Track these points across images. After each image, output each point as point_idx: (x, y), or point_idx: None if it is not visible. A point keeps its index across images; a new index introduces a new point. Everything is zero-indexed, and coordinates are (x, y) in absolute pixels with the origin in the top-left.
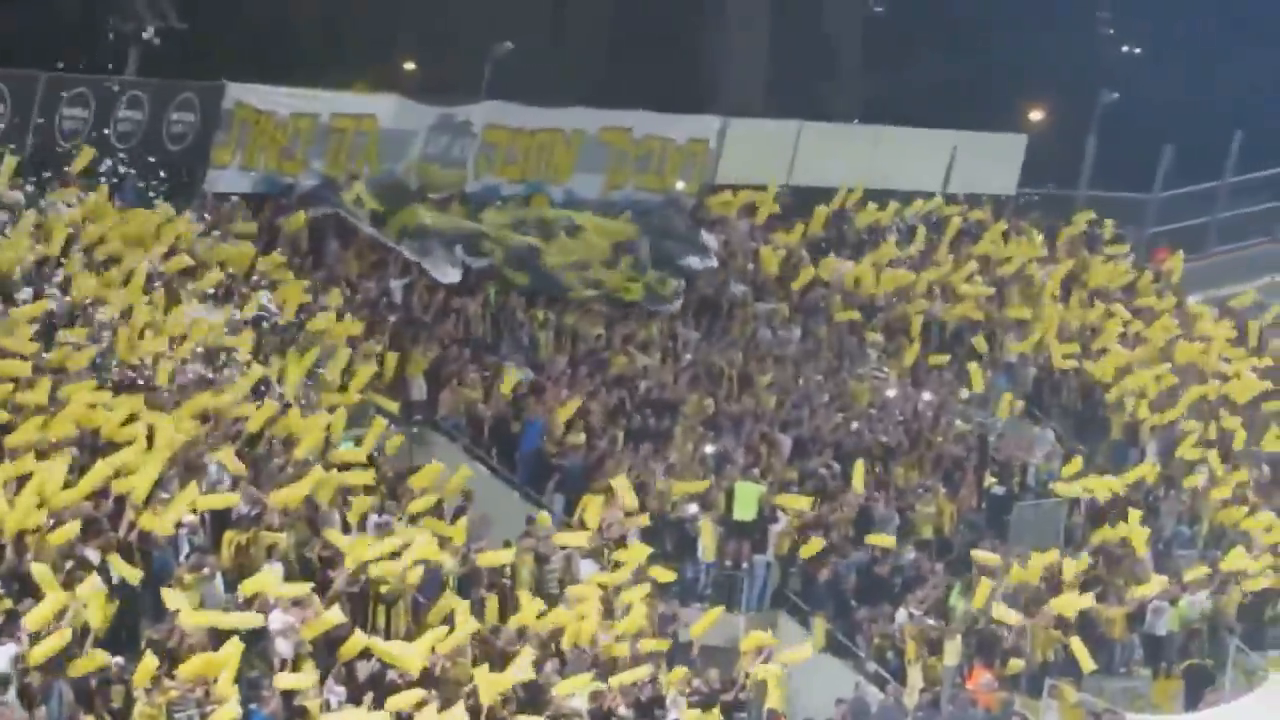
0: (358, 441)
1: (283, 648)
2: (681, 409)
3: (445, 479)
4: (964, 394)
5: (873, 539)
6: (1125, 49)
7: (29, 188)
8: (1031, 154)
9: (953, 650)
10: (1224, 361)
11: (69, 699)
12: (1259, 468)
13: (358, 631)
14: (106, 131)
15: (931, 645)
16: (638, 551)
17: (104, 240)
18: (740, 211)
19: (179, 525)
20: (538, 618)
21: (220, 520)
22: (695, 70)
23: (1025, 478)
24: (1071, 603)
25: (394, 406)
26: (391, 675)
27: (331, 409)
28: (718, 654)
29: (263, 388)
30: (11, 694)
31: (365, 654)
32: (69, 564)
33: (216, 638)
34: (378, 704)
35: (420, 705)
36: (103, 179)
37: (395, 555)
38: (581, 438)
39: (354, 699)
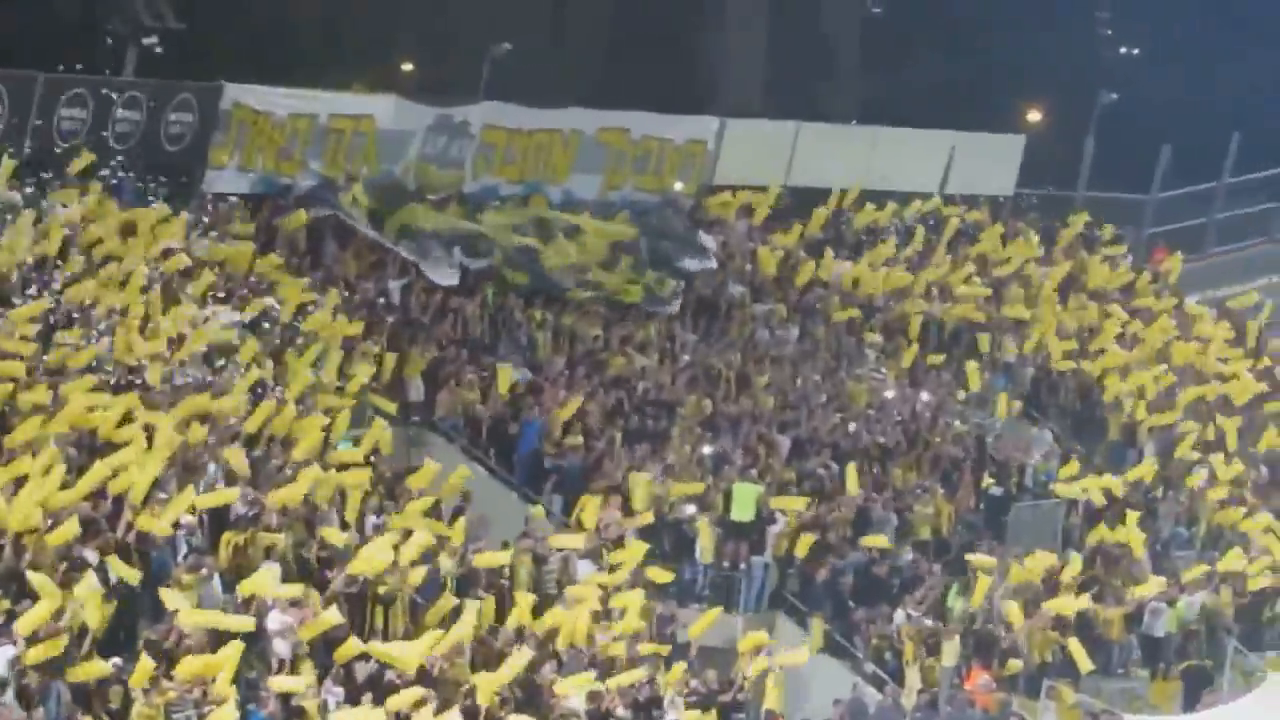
0: (356, 442)
1: (280, 648)
2: (679, 410)
3: (442, 479)
4: (961, 395)
5: (868, 540)
6: (1123, 50)
7: (27, 188)
8: (1029, 154)
9: (950, 651)
10: (1222, 362)
11: (67, 700)
12: (1257, 469)
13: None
14: (105, 132)
15: (929, 646)
16: (635, 550)
17: (102, 241)
18: (738, 212)
19: (177, 526)
20: (534, 619)
21: (218, 521)
22: (693, 71)
23: (1023, 478)
24: (1069, 604)
25: (392, 407)
26: (389, 676)
27: (329, 410)
28: (715, 655)
29: (260, 389)
30: (9, 695)
31: (363, 655)
32: (66, 565)
33: (214, 638)
34: (376, 705)
35: (418, 705)
36: (101, 180)
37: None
38: (579, 439)
39: (352, 700)
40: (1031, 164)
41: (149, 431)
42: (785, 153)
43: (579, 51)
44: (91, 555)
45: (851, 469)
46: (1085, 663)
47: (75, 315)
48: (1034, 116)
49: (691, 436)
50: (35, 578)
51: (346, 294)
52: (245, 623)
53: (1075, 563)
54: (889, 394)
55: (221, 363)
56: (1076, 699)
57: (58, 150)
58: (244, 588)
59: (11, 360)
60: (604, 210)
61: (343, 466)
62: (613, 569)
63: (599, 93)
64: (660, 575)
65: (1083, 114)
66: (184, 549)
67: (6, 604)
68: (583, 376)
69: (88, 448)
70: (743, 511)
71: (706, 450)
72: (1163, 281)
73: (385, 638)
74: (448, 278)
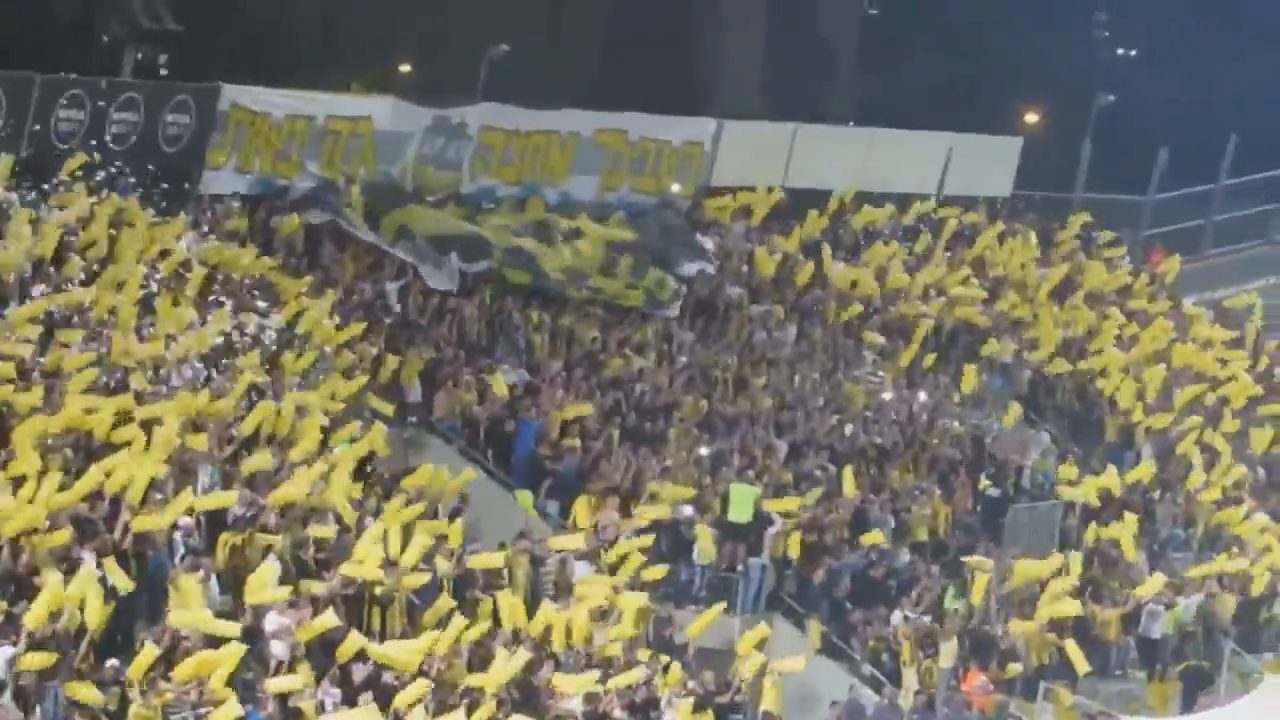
0: (353, 443)
1: (278, 649)
2: (677, 411)
3: (439, 480)
4: (958, 396)
5: (868, 538)
6: (1120, 51)
7: (25, 190)
8: (1027, 156)
9: (948, 652)
10: (1220, 364)
11: (64, 701)
12: (1254, 470)
13: (353, 634)
14: (102, 134)
15: (926, 647)
16: (635, 545)
17: (99, 242)
18: (735, 213)
19: (174, 527)
20: (530, 620)
21: (216, 522)
22: (690, 72)
23: (1020, 480)
24: (1066, 606)
25: (389, 409)
26: (387, 677)
27: (327, 411)
28: (713, 656)
29: (257, 390)
30: (7, 697)
31: (361, 656)
32: (65, 567)
33: (210, 639)
34: (373, 706)
35: (417, 703)
36: (98, 181)
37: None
38: (576, 440)
39: (349, 701)
40: (1029, 165)
41: (146, 433)
42: (783, 154)
43: (576, 53)
44: (89, 557)
45: (848, 471)
46: (1082, 664)
47: (72, 317)
48: (1031, 118)
49: (689, 438)
50: (48, 575)
51: (344, 295)
52: (231, 628)
53: (1075, 563)
54: (886, 395)
55: (218, 363)
56: (1074, 700)
57: (55, 152)
58: (248, 593)
59: (7, 362)
60: (601, 211)
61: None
62: (613, 570)
63: (596, 94)
64: (654, 572)
65: (1080, 116)
66: (181, 550)
67: (4, 605)
68: (580, 378)
69: (85, 449)
70: (740, 513)
71: (704, 451)
72: (1160, 283)
73: (382, 639)
74: (446, 282)
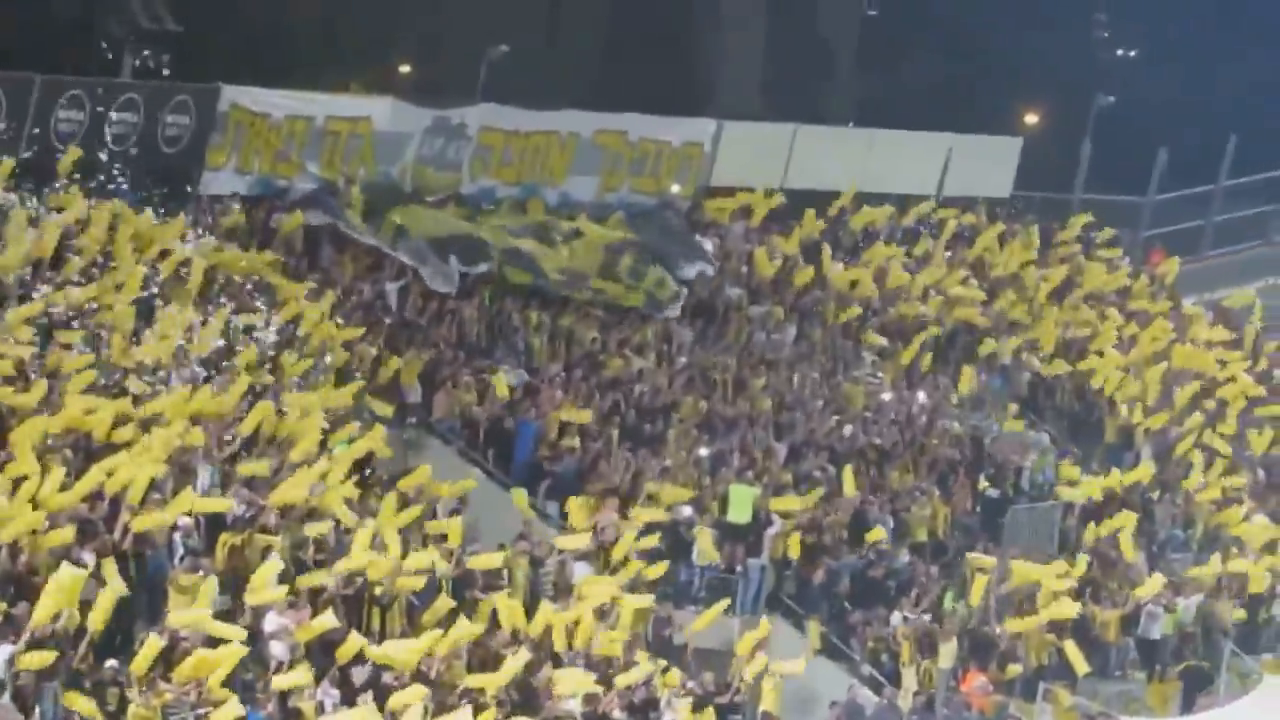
0: (351, 443)
1: (277, 650)
2: (676, 412)
3: (440, 483)
4: (956, 397)
5: (870, 536)
6: (1120, 52)
7: (24, 191)
8: (1026, 157)
9: (947, 653)
10: (1219, 365)
11: (63, 701)
12: (1253, 471)
13: (353, 635)
14: (102, 135)
15: (926, 648)
16: (636, 547)
17: (99, 243)
18: (735, 214)
19: (173, 528)
20: (529, 622)
21: (215, 523)
22: (690, 73)
23: (1020, 480)
24: (1064, 607)
25: (388, 410)
26: (387, 678)
27: (327, 410)
28: (712, 657)
29: (257, 391)
30: (6, 697)
31: (360, 657)
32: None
33: (210, 640)
34: (372, 706)
35: (416, 704)
36: (98, 182)
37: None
38: (576, 441)
39: (348, 702)
40: (1028, 166)
41: (146, 434)
42: (782, 155)
43: (576, 53)
44: (89, 558)
45: (848, 471)
46: (1082, 665)
47: (72, 318)
48: (1031, 119)
49: (688, 439)
50: (57, 581)
51: (344, 296)
52: (237, 633)
53: (1080, 564)
54: (886, 396)
55: (217, 364)
56: (1073, 701)
57: (55, 153)
58: (249, 593)
59: (8, 363)
60: (601, 212)
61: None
62: (613, 570)
63: (596, 95)
64: (653, 571)
65: (1080, 116)
66: (180, 551)
67: (3, 606)
68: (580, 379)
69: (84, 450)
70: (739, 514)
71: (703, 452)
72: (1159, 284)
73: (382, 640)
74: (445, 284)
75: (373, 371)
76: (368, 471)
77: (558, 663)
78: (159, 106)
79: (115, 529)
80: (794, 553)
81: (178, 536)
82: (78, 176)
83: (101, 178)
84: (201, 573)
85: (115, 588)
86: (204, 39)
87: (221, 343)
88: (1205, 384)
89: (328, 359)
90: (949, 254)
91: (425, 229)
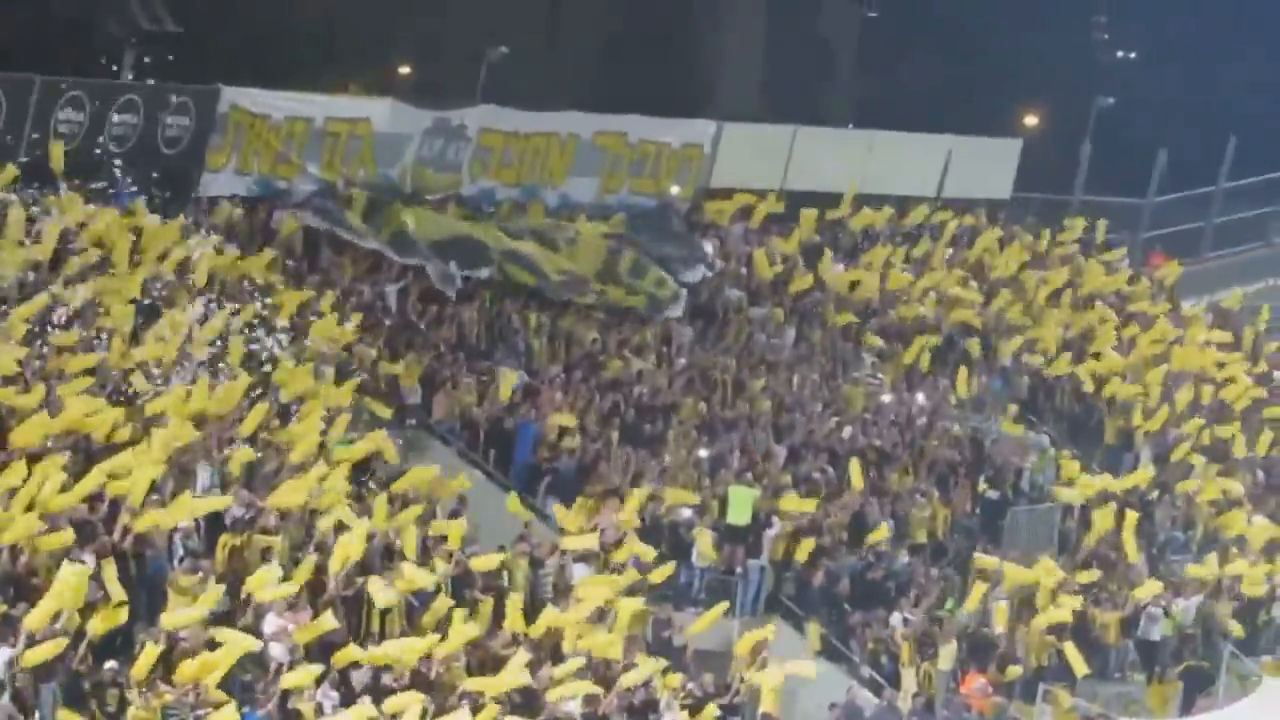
0: (351, 444)
1: (277, 651)
2: (676, 413)
3: (437, 483)
4: (953, 399)
5: (872, 535)
6: (1120, 54)
7: (24, 192)
8: (1026, 158)
9: (947, 655)
10: (1219, 367)
11: (62, 703)
12: (1253, 473)
13: (351, 644)
14: (102, 135)
15: (925, 650)
16: (638, 550)
17: (98, 244)
18: (735, 216)
19: (174, 529)
20: (528, 624)
21: (215, 524)
22: (690, 74)
23: (1019, 482)
24: (1064, 609)
25: (387, 412)
26: (386, 679)
27: (327, 410)
28: (711, 658)
29: (257, 392)
30: (5, 698)
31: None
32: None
33: (209, 641)
34: (372, 708)
35: (414, 707)
36: (97, 183)
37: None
38: (575, 442)
39: (347, 703)
40: (1028, 168)
41: (145, 435)
42: (782, 156)
43: (575, 55)
44: (88, 559)
45: (856, 465)
46: (1081, 667)
47: (72, 319)
48: (1031, 120)
49: (688, 440)
50: (62, 580)
51: (343, 297)
52: (250, 642)
53: (1084, 575)
54: (885, 398)
55: (217, 365)
56: (1073, 703)
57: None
58: (249, 587)
59: (7, 364)
60: (601, 214)
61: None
62: (613, 571)
63: (595, 96)
64: (658, 574)
65: (1079, 118)
66: (180, 552)
67: (3, 607)
68: (579, 380)
69: (84, 451)
70: (739, 515)
71: (703, 453)
72: (1159, 285)
73: (381, 641)
74: (449, 285)
75: (372, 373)
76: (368, 473)
77: (558, 664)
78: (159, 108)
79: (115, 530)
80: (802, 555)
81: (177, 538)
82: (78, 180)
83: (101, 179)
84: (201, 574)
85: (117, 597)
86: (204, 40)
87: (221, 344)
88: (1205, 385)
89: (327, 360)
90: (949, 256)
91: (427, 231)
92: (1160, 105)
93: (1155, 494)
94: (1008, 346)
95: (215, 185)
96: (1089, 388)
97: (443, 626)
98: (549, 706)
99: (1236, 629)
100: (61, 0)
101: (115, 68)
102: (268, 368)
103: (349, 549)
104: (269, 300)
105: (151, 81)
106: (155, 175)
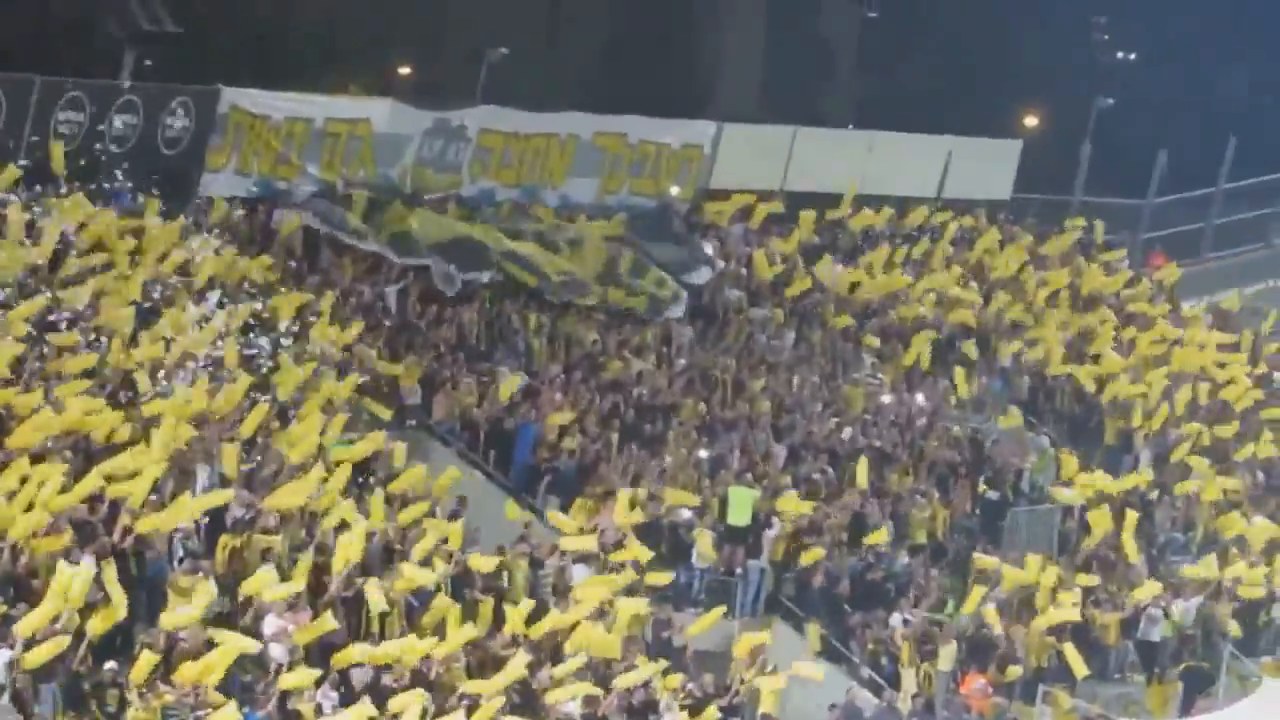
0: (350, 444)
1: (277, 652)
2: (676, 414)
3: (430, 482)
4: (954, 400)
5: (872, 537)
6: (1120, 55)
7: (24, 192)
8: (1026, 159)
9: (947, 656)
10: (1219, 368)
11: (62, 703)
12: (1253, 474)
13: (352, 645)
14: (102, 136)
15: (925, 650)
16: (637, 553)
17: (98, 245)
18: (734, 216)
19: (174, 530)
20: (528, 626)
21: (215, 525)
22: (690, 75)
23: (1019, 483)
24: (1064, 612)
25: (387, 414)
26: (386, 679)
27: (325, 411)
28: (711, 659)
29: (256, 393)
30: (5, 699)
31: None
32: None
33: (209, 642)
34: (371, 708)
35: (414, 708)
36: (98, 184)
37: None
38: (575, 442)
39: (347, 703)
40: (1028, 169)
41: (145, 436)
42: (782, 157)
43: (576, 55)
44: (88, 559)
45: (863, 463)
46: (1081, 668)
47: (71, 319)
48: (1030, 121)
49: (688, 440)
50: (57, 580)
51: (343, 298)
52: (248, 644)
53: (1081, 578)
54: (886, 399)
55: (217, 366)
56: (1072, 704)
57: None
58: (245, 588)
59: (7, 365)
60: (601, 214)
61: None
62: (613, 571)
63: (595, 97)
64: (658, 577)
65: (1079, 119)
66: (180, 553)
67: (3, 608)
68: (579, 380)
69: (84, 452)
70: (739, 516)
71: (703, 454)
72: (1159, 286)
73: (381, 641)
74: (451, 286)
75: (372, 373)
76: (368, 474)
77: (557, 665)
78: (159, 108)
79: (115, 531)
80: (809, 559)
81: (177, 538)
82: (79, 180)
83: (101, 180)
84: (201, 574)
85: (117, 601)
86: (204, 41)
87: (220, 345)
88: (1204, 387)
89: (327, 361)
90: (949, 256)
91: (429, 232)
92: (1160, 106)
93: (1155, 495)
94: (1008, 347)
95: (215, 186)
96: (1089, 389)
97: (442, 628)
98: (548, 707)
99: (1234, 629)
100: (61, 0)
101: (115, 68)
102: (267, 368)
103: (349, 550)
104: (269, 301)
105: (151, 82)
106: (155, 176)
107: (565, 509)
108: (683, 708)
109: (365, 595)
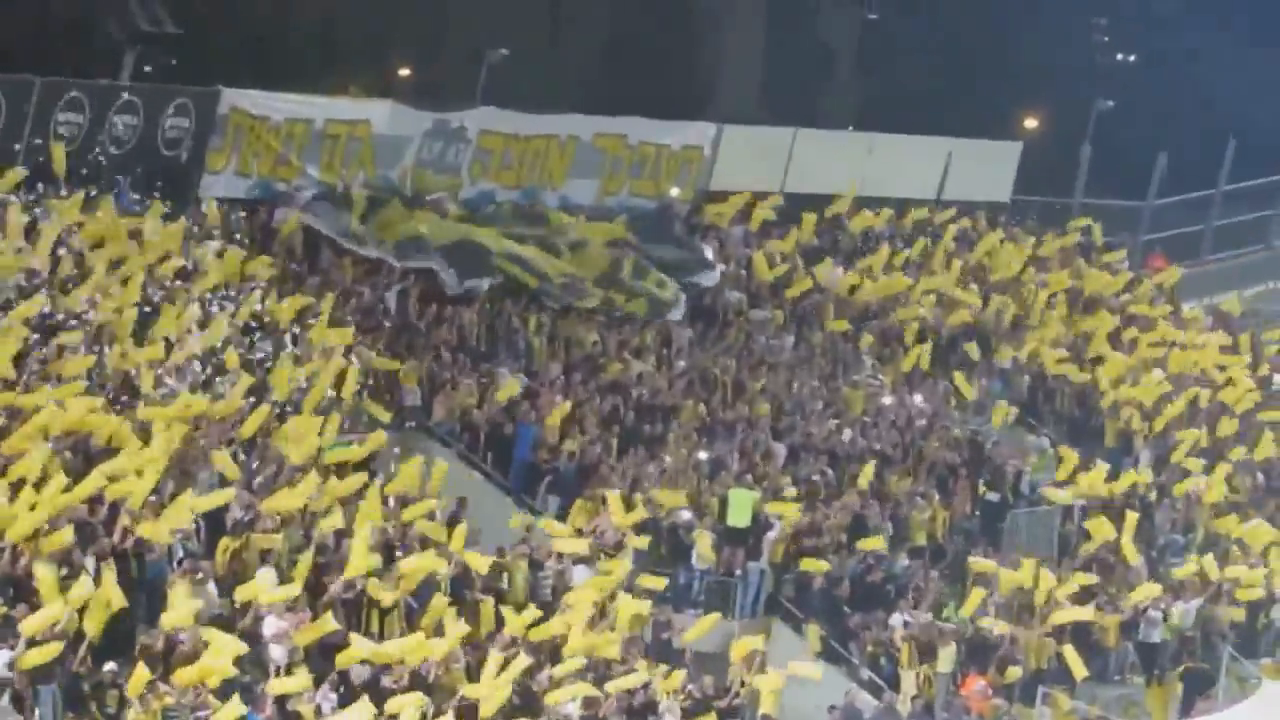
0: (350, 445)
1: (276, 653)
2: (676, 415)
3: (426, 478)
4: (954, 400)
5: (865, 544)
6: (1120, 56)
7: (23, 193)
8: (1026, 161)
9: (947, 657)
10: (1219, 369)
11: (61, 704)
12: (1252, 476)
13: (353, 639)
14: (101, 137)
15: (925, 652)
16: (623, 562)
17: (98, 246)
18: (734, 218)
19: (173, 531)
20: (527, 628)
21: (215, 526)
22: (690, 77)
23: (1019, 485)
24: (1065, 614)
25: (386, 416)
26: (386, 680)
27: (325, 412)
28: (711, 660)
29: (255, 394)
30: (5, 699)
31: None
32: (64, 571)
33: (208, 644)
34: (371, 709)
35: (410, 709)
36: (97, 185)
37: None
38: (575, 444)
39: (346, 704)
40: (1028, 170)
41: (145, 436)
42: (782, 158)
43: (576, 57)
44: (89, 561)
45: (868, 468)
46: (1080, 669)
47: (71, 320)
48: (1031, 123)
49: (688, 442)
50: (43, 581)
51: (343, 299)
52: (221, 638)
53: (1080, 577)
54: (886, 400)
55: (216, 367)
56: (1072, 705)
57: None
58: (242, 592)
59: (7, 365)
60: (601, 215)
61: (340, 468)
62: (606, 574)
63: (596, 98)
64: (650, 581)
65: (1079, 120)
66: (180, 554)
67: (3, 609)
68: (579, 382)
69: (84, 453)
70: (739, 517)
71: (703, 456)
72: (1159, 288)
73: (380, 642)
74: (453, 289)
75: (372, 375)
76: (370, 475)
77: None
78: (159, 109)
79: (115, 532)
80: (817, 567)
81: (177, 539)
82: (79, 181)
83: (101, 181)
84: (201, 575)
85: (114, 599)
86: (204, 42)
87: (221, 346)
88: (1205, 388)
89: (327, 362)
90: (949, 253)
91: (435, 235)
92: (1160, 108)
93: (1154, 496)
94: (1007, 349)
95: (215, 187)
96: (1089, 391)
97: (441, 628)
98: (548, 708)
99: (1239, 614)
100: (61, 1)
101: (115, 69)
102: (267, 369)
103: (361, 560)
104: (269, 302)
105: (152, 83)
106: (155, 177)
107: (565, 510)
108: (683, 709)
109: (367, 594)
